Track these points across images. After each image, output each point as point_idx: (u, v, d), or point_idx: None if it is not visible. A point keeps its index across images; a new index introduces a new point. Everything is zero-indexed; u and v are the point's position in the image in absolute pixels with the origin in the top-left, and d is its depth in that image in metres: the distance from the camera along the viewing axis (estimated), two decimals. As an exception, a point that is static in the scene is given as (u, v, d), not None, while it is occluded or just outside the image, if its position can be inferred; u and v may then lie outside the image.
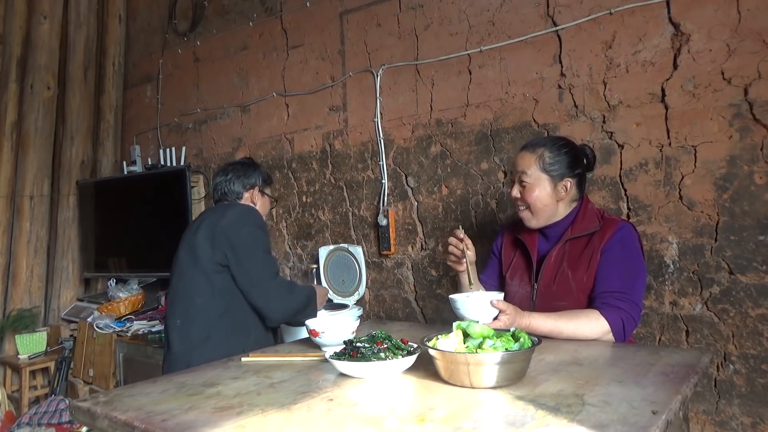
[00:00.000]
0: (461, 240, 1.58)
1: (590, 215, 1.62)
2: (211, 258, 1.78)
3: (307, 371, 1.27)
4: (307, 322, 1.49)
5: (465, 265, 1.61)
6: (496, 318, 1.35)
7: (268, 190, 2.12)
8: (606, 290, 1.49)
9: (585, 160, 1.66)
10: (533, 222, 1.63)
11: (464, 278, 1.66)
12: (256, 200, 2.06)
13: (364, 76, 2.78)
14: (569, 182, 1.61)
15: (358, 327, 1.46)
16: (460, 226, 1.65)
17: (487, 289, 1.70)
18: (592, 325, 1.43)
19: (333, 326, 1.44)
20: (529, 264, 1.69)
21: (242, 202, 2.01)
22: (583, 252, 1.58)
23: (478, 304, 1.35)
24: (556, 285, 1.58)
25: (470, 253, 1.60)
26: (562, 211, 1.63)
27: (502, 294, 1.41)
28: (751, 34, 1.75)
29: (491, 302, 1.34)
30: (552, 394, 1.01)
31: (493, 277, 1.79)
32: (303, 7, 3.05)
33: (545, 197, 1.60)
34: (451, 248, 1.61)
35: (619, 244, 1.54)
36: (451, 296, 1.42)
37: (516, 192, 1.64)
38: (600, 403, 0.95)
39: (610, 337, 1.44)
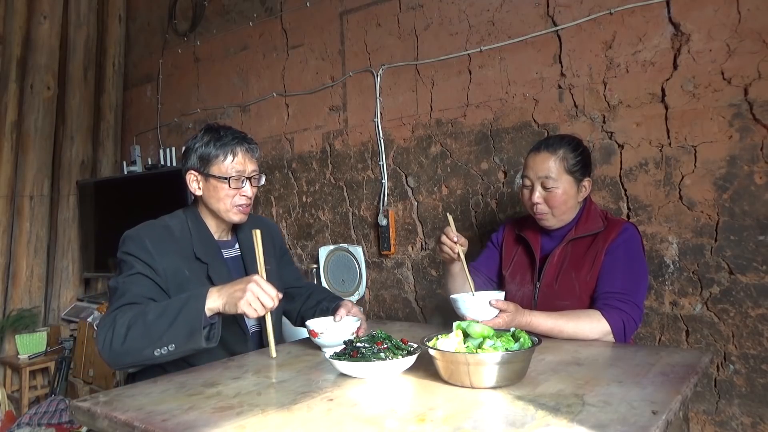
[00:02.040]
0: (455, 243, 1.53)
1: (594, 215, 1.62)
2: None
3: (307, 371, 1.27)
4: (308, 322, 1.48)
5: (456, 261, 1.59)
6: (496, 317, 1.35)
7: (214, 169, 1.52)
8: (608, 291, 1.49)
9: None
10: (552, 221, 1.61)
11: (454, 267, 1.64)
12: (201, 189, 1.56)
13: (364, 76, 2.78)
14: (588, 182, 1.62)
15: (359, 328, 1.45)
16: (451, 219, 1.57)
17: (477, 279, 1.70)
18: (593, 325, 1.43)
19: (332, 327, 1.43)
20: (531, 262, 1.68)
21: (193, 192, 1.58)
22: (587, 252, 1.57)
23: (478, 304, 1.35)
24: (559, 284, 1.58)
25: (464, 249, 1.54)
26: (576, 210, 1.63)
27: (503, 293, 1.41)
28: (751, 34, 1.75)
29: (490, 302, 1.34)
30: (552, 394, 1.01)
31: (486, 265, 1.78)
32: (303, 7, 3.05)
33: (570, 200, 1.58)
34: (445, 249, 1.55)
35: (624, 245, 1.54)
36: (452, 296, 1.42)
37: (538, 198, 1.58)
38: (600, 403, 0.95)
39: (611, 338, 1.44)
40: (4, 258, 3.77)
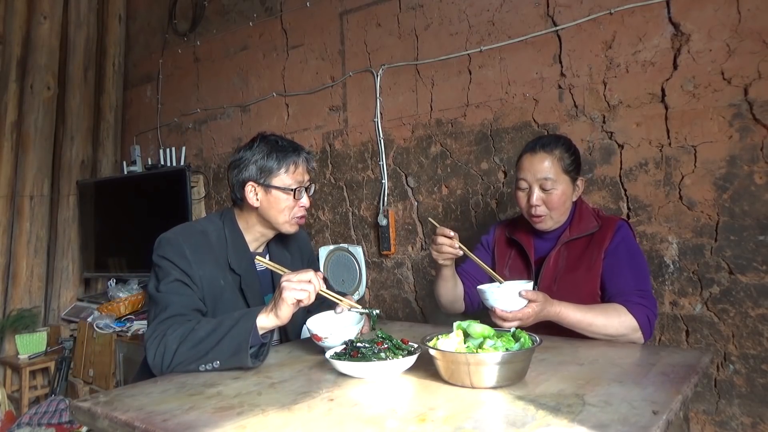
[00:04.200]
0: (452, 238, 1.49)
1: (587, 215, 1.61)
2: None
3: (308, 371, 1.27)
4: (309, 326, 1.41)
5: (449, 266, 1.57)
6: (525, 307, 1.33)
7: (276, 180, 1.51)
8: (624, 289, 1.48)
9: None
10: (549, 224, 1.59)
11: (447, 271, 1.61)
12: (260, 200, 1.52)
13: (364, 76, 2.78)
14: (582, 181, 1.60)
15: (364, 326, 1.40)
16: (433, 223, 1.56)
17: (465, 281, 1.69)
18: (622, 319, 1.41)
19: (336, 329, 1.37)
20: (526, 266, 1.66)
21: (250, 203, 1.53)
22: (583, 253, 1.57)
23: (507, 294, 1.34)
24: (557, 286, 1.56)
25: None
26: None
27: (531, 283, 1.38)
28: (751, 34, 1.75)
29: (519, 293, 1.32)
30: (552, 394, 1.01)
31: (475, 267, 1.72)
32: (303, 7, 3.05)
33: (567, 201, 1.56)
34: (446, 249, 1.50)
35: (623, 244, 1.53)
36: (479, 287, 1.40)
37: (537, 200, 1.55)
38: (600, 403, 0.95)
39: (639, 335, 1.42)
40: (4, 258, 3.77)
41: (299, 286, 1.25)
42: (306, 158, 1.56)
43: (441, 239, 1.49)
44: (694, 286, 1.87)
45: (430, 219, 1.63)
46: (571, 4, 2.12)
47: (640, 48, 1.96)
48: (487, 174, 2.37)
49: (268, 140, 1.56)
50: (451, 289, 1.66)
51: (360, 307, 1.40)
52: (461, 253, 1.51)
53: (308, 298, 1.26)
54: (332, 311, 1.45)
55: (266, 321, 1.28)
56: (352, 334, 1.35)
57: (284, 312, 1.26)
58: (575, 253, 1.58)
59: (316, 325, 1.41)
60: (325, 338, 1.35)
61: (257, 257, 1.42)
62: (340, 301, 1.39)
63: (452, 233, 1.48)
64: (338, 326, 1.40)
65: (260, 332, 1.28)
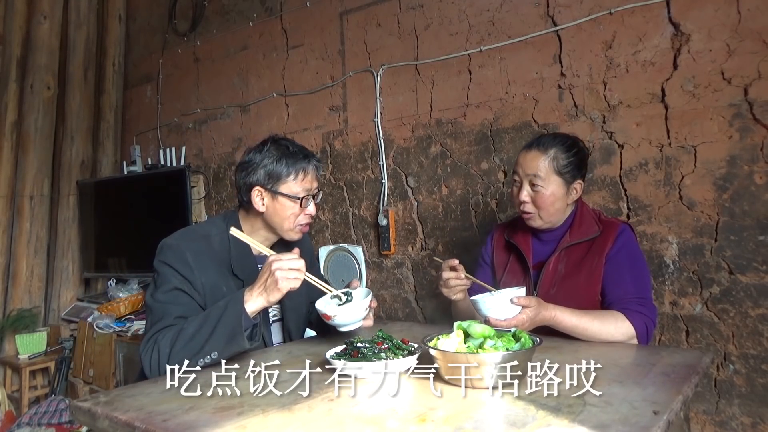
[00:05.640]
0: (458, 269, 1.51)
1: (588, 219, 1.59)
2: None
3: (308, 371, 1.26)
4: (318, 306, 1.40)
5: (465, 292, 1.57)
6: (519, 313, 1.33)
7: (284, 187, 1.48)
8: (624, 296, 1.46)
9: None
10: (538, 222, 1.58)
11: (461, 304, 1.61)
12: (266, 205, 1.50)
13: (364, 76, 2.78)
14: (580, 184, 1.57)
15: (372, 300, 1.39)
16: (437, 260, 1.61)
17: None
18: (618, 325, 1.40)
19: (344, 307, 1.37)
20: (524, 270, 1.65)
21: (256, 208, 1.51)
22: (584, 258, 1.55)
23: (499, 303, 1.33)
24: (556, 291, 1.55)
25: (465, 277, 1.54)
26: (567, 213, 1.60)
27: (524, 289, 1.37)
28: (751, 34, 1.75)
29: (511, 300, 1.32)
30: (553, 394, 1.00)
31: (485, 281, 1.71)
32: (303, 7, 3.05)
33: (558, 202, 1.54)
34: (454, 282, 1.52)
35: (624, 249, 1.52)
36: (472, 298, 1.40)
37: (525, 196, 1.55)
38: (601, 403, 0.95)
39: (634, 341, 1.41)
40: (4, 258, 3.77)
41: (292, 275, 1.28)
42: (316, 165, 1.54)
43: (447, 273, 1.52)
44: (694, 286, 1.87)
45: (435, 258, 1.64)
46: (571, 4, 2.12)
47: (640, 48, 1.96)
48: (487, 174, 2.37)
49: (279, 144, 1.52)
50: (468, 315, 1.64)
51: (334, 290, 1.43)
52: (470, 283, 1.53)
53: (298, 281, 1.30)
54: (345, 290, 1.46)
55: (254, 304, 1.30)
56: (361, 309, 1.36)
57: (276, 298, 1.29)
58: (575, 259, 1.56)
59: (324, 304, 1.41)
60: (334, 316, 1.36)
61: (233, 229, 1.42)
62: (321, 285, 1.41)
63: (457, 262, 1.51)
64: (346, 303, 1.40)
65: (251, 315, 1.30)
